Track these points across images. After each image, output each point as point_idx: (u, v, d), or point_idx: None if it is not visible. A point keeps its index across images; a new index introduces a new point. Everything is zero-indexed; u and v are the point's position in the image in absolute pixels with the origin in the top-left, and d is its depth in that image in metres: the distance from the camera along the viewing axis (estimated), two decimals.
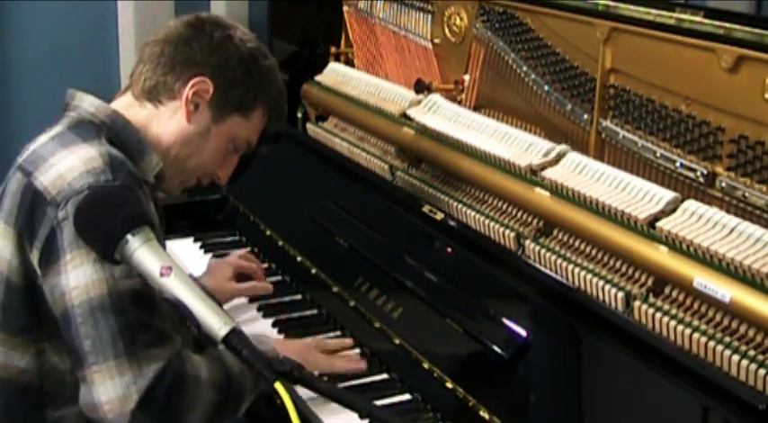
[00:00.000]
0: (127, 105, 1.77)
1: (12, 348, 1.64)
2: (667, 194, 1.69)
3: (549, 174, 1.88)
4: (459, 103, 2.37)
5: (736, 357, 1.47)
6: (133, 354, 1.53)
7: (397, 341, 1.95)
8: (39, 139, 1.71)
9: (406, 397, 1.84)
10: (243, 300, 2.25)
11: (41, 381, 1.64)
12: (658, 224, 1.64)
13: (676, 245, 1.62)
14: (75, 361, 1.56)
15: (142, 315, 1.56)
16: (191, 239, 2.57)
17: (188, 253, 2.47)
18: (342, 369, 1.91)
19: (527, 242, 1.89)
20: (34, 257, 1.59)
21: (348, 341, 2.01)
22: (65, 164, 1.60)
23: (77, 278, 1.54)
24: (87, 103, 1.73)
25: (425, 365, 1.86)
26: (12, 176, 1.66)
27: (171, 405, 1.56)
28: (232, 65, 1.75)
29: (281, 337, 2.07)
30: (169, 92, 1.74)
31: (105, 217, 1.40)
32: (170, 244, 2.42)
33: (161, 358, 1.54)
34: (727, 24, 1.65)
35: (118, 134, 1.70)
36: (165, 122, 1.75)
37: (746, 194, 1.63)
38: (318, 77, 2.77)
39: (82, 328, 1.54)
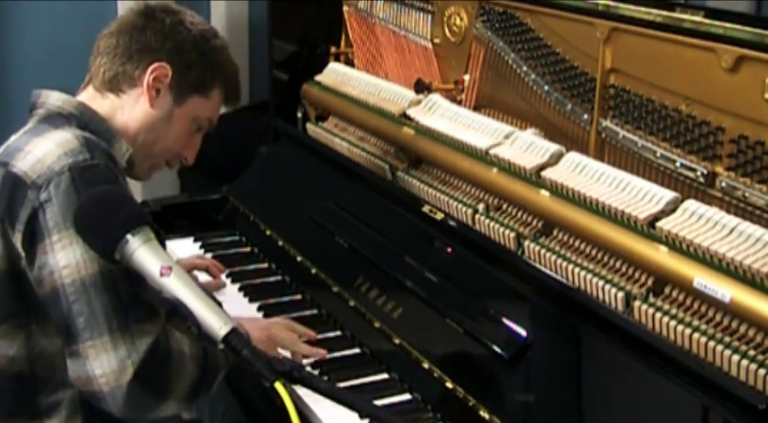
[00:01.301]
0: (90, 98, 1.81)
1: (0, 337, 1.66)
2: (667, 194, 1.69)
3: (548, 174, 1.88)
4: (459, 103, 2.37)
5: (736, 357, 1.47)
6: (126, 328, 1.57)
7: (397, 341, 1.95)
8: (11, 138, 1.75)
9: (406, 397, 1.84)
10: (243, 299, 2.25)
11: (32, 367, 1.67)
12: (658, 224, 1.64)
13: (676, 245, 1.62)
14: (67, 336, 1.60)
15: (132, 291, 1.60)
16: (191, 239, 2.57)
17: (188, 253, 2.47)
18: (304, 351, 1.96)
19: (527, 242, 1.89)
20: (17, 240, 1.61)
21: (313, 334, 2.03)
22: (41, 149, 1.64)
23: (67, 257, 1.57)
24: (54, 99, 1.77)
25: (425, 365, 1.86)
26: None
27: (162, 377, 1.61)
28: (187, 48, 1.81)
29: None
30: (130, 80, 1.79)
31: (105, 217, 1.41)
32: (170, 244, 2.43)
33: (152, 332, 1.59)
34: (728, 24, 1.65)
35: (86, 124, 1.74)
36: (130, 110, 1.79)
37: (746, 194, 1.63)
38: (318, 77, 2.77)
39: (75, 306, 1.57)
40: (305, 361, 1.94)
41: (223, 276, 2.34)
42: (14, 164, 1.64)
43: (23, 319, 1.65)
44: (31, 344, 1.66)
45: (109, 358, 1.56)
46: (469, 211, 2.04)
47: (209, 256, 2.44)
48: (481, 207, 2.04)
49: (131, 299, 1.59)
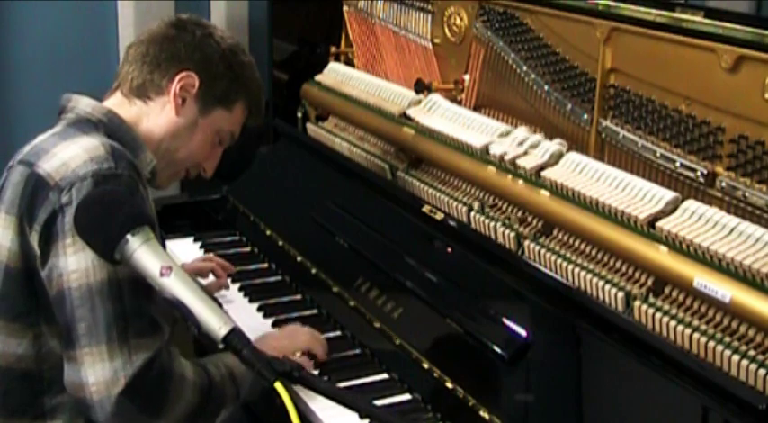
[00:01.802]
0: (118, 104, 1.83)
1: (9, 335, 1.67)
2: (667, 194, 1.69)
3: (549, 174, 1.88)
4: (460, 103, 2.37)
5: (736, 357, 1.47)
6: (125, 340, 1.58)
7: (397, 341, 1.95)
8: (38, 138, 1.75)
9: (406, 397, 1.84)
10: (243, 299, 2.25)
11: (39, 367, 1.68)
12: (658, 224, 1.64)
13: (676, 245, 1.62)
14: (67, 340, 1.61)
15: (137, 303, 1.60)
16: (191, 239, 2.57)
17: (188, 253, 2.47)
18: (320, 353, 1.94)
19: (527, 242, 1.89)
20: (33, 239, 1.62)
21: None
22: (68, 152, 1.65)
23: (78, 262, 1.58)
24: (84, 104, 1.79)
25: (425, 365, 1.86)
26: (13, 170, 1.70)
27: (154, 396, 1.61)
28: (215, 60, 1.84)
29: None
30: (157, 88, 1.81)
31: (105, 217, 1.41)
32: (170, 244, 2.43)
33: (150, 348, 1.59)
34: (727, 24, 1.65)
35: (114, 132, 1.76)
36: (156, 117, 1.82)
37: (746, 194, 1.63)
38: (318, 77, 2.77)
39: (78, 311, 1.58)
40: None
41: (228, 280, 2.33)
42: (40, 164, 1.65)
43: (34, 317, 1.66)
44: (40, 343, 1.67)
45: (103, 367, 1.57)
46: (464, 208, 2.04)
47: (211, 255, 2.43)
48: (476, 205, 2.04)
49: (135, 311, 1.60)
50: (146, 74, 1.81)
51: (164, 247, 1.45)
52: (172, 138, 1.82)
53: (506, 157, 1.98)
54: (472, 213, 2.05)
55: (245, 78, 1.89)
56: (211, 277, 2.31)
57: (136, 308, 1.60)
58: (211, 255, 2.39)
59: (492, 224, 1.98)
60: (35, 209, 1.62)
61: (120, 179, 1.63)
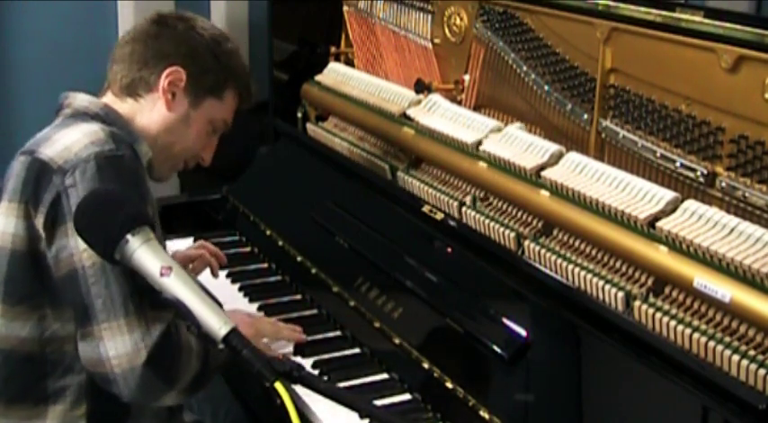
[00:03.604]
0: (112, 102, 1.86)
1: (13, 319, 1.69)
2: (667, 194, 1.69)
3: (548, 174, 1.88)
4: (460, 103, 2.37)
5: (736, 357, 1.47)
6: (142, 313, 1.61)
7: (397, 341, 1.95)
8: (36, 135, 1.78)
9: (406, 397, 1.84)
10: (243, 299, 2.25)
11: (43, 349, 1.70)
12: (658, 224, 1.64)
13: (676, 245, 1.62)
14: (82, 318, 1.63)
15: None
16: (191, 239, 2.57)
17: None
18: (286, 337, 2.02)
19: (527, 242, 1.89)
20: (39, 222, 1.65)
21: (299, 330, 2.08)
22: (69, 138, 1.69)
23: None
24: (80, 99, 1.83)
25: (425, 365, 1.86)
26: (15, 161, 1.73)
27: (171, 365, 1.64)
28: (200, 52, 1.87)
29: None
30: (146, 85, 1.84)
31: (105, 217, 1.41)
32: (170, 244, 2.43)
33: (165, 320, 1.62)
34: (728, 24, 1.65)
35: (111, 125, 1.78)
36: (148, 114, 1.85)
37: (746, 194, 1.63)
38: (318, 77, 2.77)
39: (93, 288, 1.61)
40: (304, 361, 1.94)
41: (222, 274, 2.33)
42: (41, 151, 1.69)
43: (38, 300, 1.69)
44: (44, 326, 1.69)
45: (123, 341, 1.59)
46: (464, 208, 2.05)
47: (202, 241, 2.39)
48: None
49: (147, 284, 1.61)
50: (134, 72, 1.84)
51: (164, 246, 1.46)
52: (167, 133, 1.85)
53: (506, 157, 1.98)
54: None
55: (232, 66, 1.91)
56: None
57: (148, 282, 1.62)
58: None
59: (492, 224, 1.98)
60: (40, 192, 1.65)
61: (122, 160, 1.67)
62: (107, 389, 1.63)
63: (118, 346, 1.59)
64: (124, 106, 1.84)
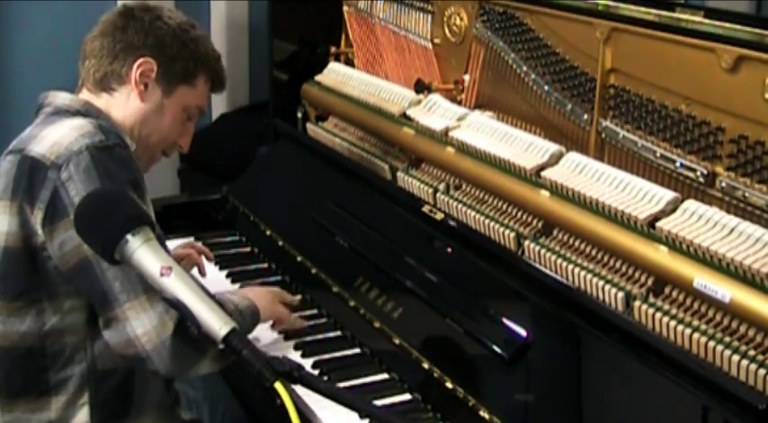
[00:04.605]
0: (88, 98, 1.88)
1: (11, 314, 1.72)
2: (667, 194, 1.69)
3: (549, 174, 1.88)
4: (460, 103, 2.37)
5: (736, 357, 1.47)
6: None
7: (397, 341, 1.95)
8: (19, 135, 1.80)
9: (406, 397, 1.84)
10: None
11: (43, 342, 1.72)
12: (658, 224, 1.64)
13: (676, 245, 1.62)
14: (103, 304, 1.65)
15: None
16: (191, 239, 2.57)
17: None
18: (297, 326, 2.07)
19: (527, 242, 1.89)
20: (36, 218, 1.67)
21: (298, 297, 2.17)
22: (57, 133, 1.71)
23: None
24: (61, 98, 1.85)
25: (425, 365, 1.86)
26: (2, 161, 1.75)
27: (199, 333, 1.63)
28: (168, 41, 1.89)
29: (278, 335, 2.07)
30: (118, 78, 1.87)
31: (105, 217, 1.41)
32: (170, 244, 2.42)
33: None
34: (727, 24, 1.65)
35: (94, 120, 1.79)
36: (123, 107, 1.87)
37: (746, 194, 1.63)
38: (318, 77, 2.77)
39: (109, 272, 1.64)
40: (304, 361, 1.94)
41: (210, 265, 2.36)
42: (30, 149, 1.70)
43: (36, 294, 1.71)
44: (43, 319, 1.71)
45: (149, 316, 1.63)
46: (465, 209, 2.05)
47: (191, 240, 2.44)
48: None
49: None
50: (105, 66, 1.86)
51: (164, 246, 1.46)
52: (142, 124, 1.87)
53: (506, 158, 1.98)
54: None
55: (201, 52, 1.93)
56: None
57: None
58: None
59: (492, 224, 1.98)
60: (35, 189, 1.66)
61: (114, 150, 1.70)
62: (144, 368, 1.65)
63: (144, 323, 1.62)
64: (100, 101, 1.86)
